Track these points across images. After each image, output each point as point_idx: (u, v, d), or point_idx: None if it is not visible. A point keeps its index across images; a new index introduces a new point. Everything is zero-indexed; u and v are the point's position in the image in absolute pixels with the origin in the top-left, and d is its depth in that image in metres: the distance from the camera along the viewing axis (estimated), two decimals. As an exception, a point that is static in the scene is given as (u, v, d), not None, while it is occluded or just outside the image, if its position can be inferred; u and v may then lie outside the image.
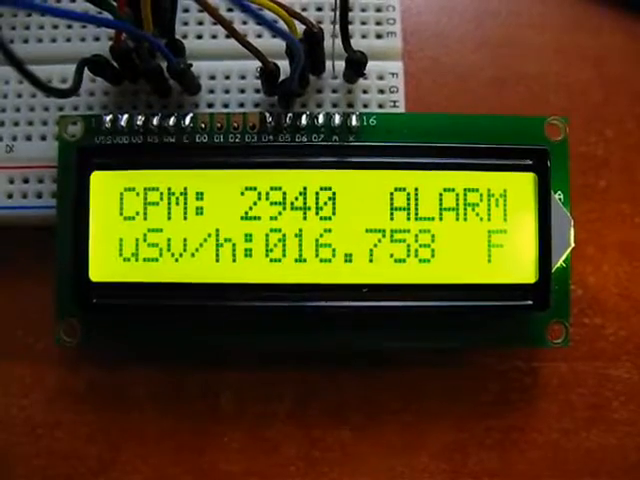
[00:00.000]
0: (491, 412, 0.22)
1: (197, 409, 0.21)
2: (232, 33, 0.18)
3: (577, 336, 0.22)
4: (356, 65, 0.20)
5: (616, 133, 0.23)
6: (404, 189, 0.19)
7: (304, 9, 0.22)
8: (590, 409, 0.22)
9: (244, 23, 0.22)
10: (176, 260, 0.19)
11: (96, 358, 0.21)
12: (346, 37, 0.18)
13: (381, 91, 0.21)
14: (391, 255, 0.19)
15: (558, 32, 0.24)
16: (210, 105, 0.21)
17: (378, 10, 0.22)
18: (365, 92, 0.21)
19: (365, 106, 0.21)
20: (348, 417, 0.22)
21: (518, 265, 0.19)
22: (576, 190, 0.22)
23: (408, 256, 0.19)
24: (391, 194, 0.19)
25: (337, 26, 0.20)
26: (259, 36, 0.22)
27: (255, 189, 0.19)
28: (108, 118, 0.20)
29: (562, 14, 0.24)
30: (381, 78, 0.21)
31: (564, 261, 0.20)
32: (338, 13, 0.19)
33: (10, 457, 0.22)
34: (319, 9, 0.22)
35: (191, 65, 0.20)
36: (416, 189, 0.19)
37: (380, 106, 0.21)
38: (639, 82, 0.24)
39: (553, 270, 0.20)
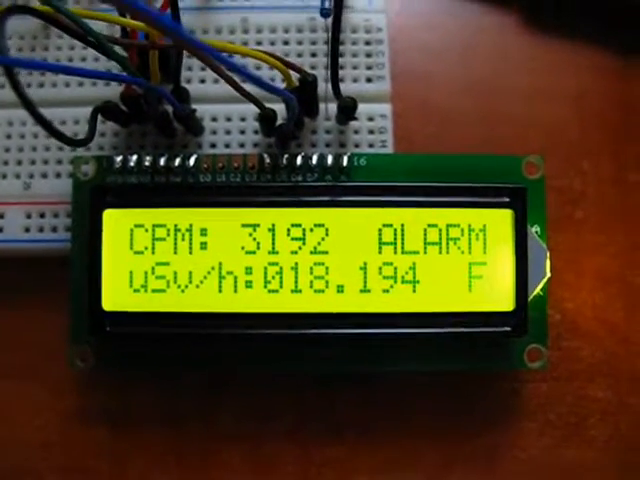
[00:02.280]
0: (477, 431, 0.24)
1: (200, 428, 0.24)
2: (232, 84, 0.20)
3: (556, 358, 0.24)
4: (347, 110, 0.22)
5: (592, 167, 0.26)
6: (391, 225, 0.21)
7: (299, 55, 0.24)
8: (568, 427, 0.24)
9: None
10: (182, 291, 0.21)
11: (107, 380, 0.24)
12: (337, 87, 0.21)
13: (371, 132, 0.24)
14: (379, 286, 0.21)
15: (539, 73, 0.26)
16: (213, 145, 0.24)
17: (368, 55, 0.25)
18: (356, 132, 0.24)
19: (356, 146, 0.24)
20: (343, 435, 0.24)
21: (497, 294, 0.22)
22: (555, 221, 0.25)
23: (395, 287, 0.21)
24: (379, 230, 0.21)
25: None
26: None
27: (255, 226, 0.21)
28: (118, 159, 0.23)
29: (543, 55, 0.27)
30: (371, 119, 0.24)
31: (541, 289, 0.23)
32: (329, 62, 0.21)
33: (25, 473, 0.24)
34: (313, 55, 0.25)
35: (195, 110, 0.23)
36: (402, 225, 0.21)
37: (370, 146, 0.24)
38: (614, 118, 0.26)
39: (531, 298, 0.22)
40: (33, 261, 0.24)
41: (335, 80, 0.20)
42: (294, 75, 0.22)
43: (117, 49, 0.20)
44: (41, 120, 0.18)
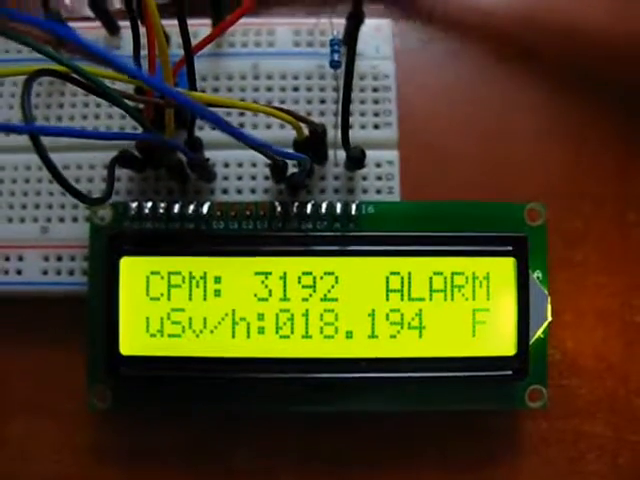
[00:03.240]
0: (479, 466, 0.25)
1: (214, 466, 0.25)
2: (244, 141, 0.21)
3: (556, 396, 0.25)
4: (355, 161, 0.23)
5: (593, 210, 0.27)
6: (398, 273, 0.23)
7: (309, 101, 0.26)
8: (568, 462, 0.25)
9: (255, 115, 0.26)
10: (197, 336, 0.23)
11: (124, 419, 0.25)
12: (347, 140, 0.22)
13: (379, 178, 0.25)
14: (387, 332, 0.23)
15: (542, 117, 0.27)
16: (225, 191, 0.25)
17: (376, 102, 0.26)
18: (364, 179, 0.25)
19: (365, 192, 0.25)
20: (348, 470, 0.25)
21: (499, 339, 0.23)
22: (557, 262, 0.26)
23: (402, 332, 0.23)
24: (387, 278, 0.23)
25: (339, 118, 0.24)
26: (268, 127, 0.25)
27: (267, 274, 0.23)
28: (134, 205, 0.24)
29: (545, 100, 0.28)
30: (378, 166, 0.25)
31: (542, 332, 0.24)
32: (340, 116, 0.22)
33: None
34: (322, 101, 0.26)
35: (208, 159, 0.24)
36: (409, 273, 0.23)
37: (378, 192, 0.25)
38: (614, 162, 0.27)
39: (532, 341, 0.23)
40: (51, 302, 0.25)
41: (345, 134, 0.21)
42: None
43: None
44: (63, 182, 0.19)
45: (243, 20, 0.25)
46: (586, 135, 0.27)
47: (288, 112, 0.22)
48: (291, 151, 0.22)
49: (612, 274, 0.27)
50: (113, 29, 0.26)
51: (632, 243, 0.27)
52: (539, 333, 0.24)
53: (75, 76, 0.20)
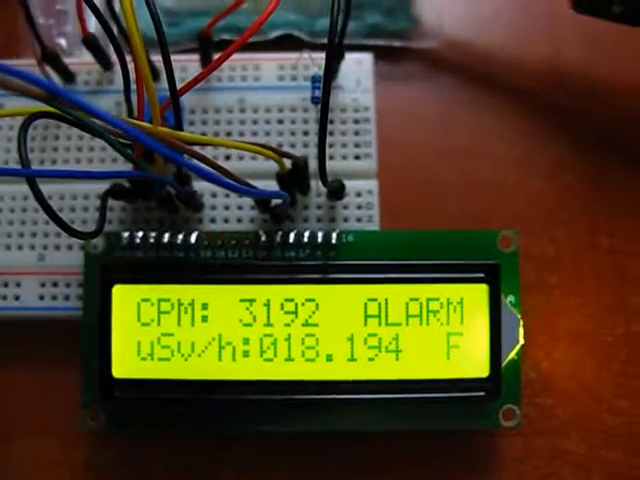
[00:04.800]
0: (457, 482, 0.27)
1: (203, 480, 0.27)
2: (228, 175, 0.23)
3: (531, 414, 0.27)
4: (335, 193, 0.25)
5: (566, 234, 0.29)
6: (376, 299, 0.24)
7: (293, 133, 0.28)
8: (543, 479, 0.27)
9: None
10: (185, 360, 0.24)
11: (117, 438, 0.27)
12: (324, 178, 0.23)
13: (359, 207, 0.27)
14: (365, 355, 0.24)
15: (515, 143, 0.29)
16: (212, 220, 0.27)
17: (356, 134, 0.28)
18: (345, 208, 0.27)
19: (345, 220, 0.27)
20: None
21: (473, 362, 0.25)
22: (530, 285, 0.28)
23: (379, 356, 0.24)
24: (365, 304, 0.24)
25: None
26: (254, 158, 0.27)
27: (251, 301, 0.24)
28: (126, 235, 0.26)
29: (520, 127, 0.30)
30: (359, 195, 0.27)
31: (515, 354, 0.25)
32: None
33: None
34: (305, 133, 0.28)
35: (196, 192, 0.26)
36: (386, 300, 0.24)
37: (358, 220, 0.27)
38: (586, 189, 0.29)
39: (505, 363, 0.25)
40: (48, 325, 0.27)
41: (323, 171, 0.23)
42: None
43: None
44: (58, 221, 0.20)
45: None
46: (560, 163, 0.29)
47: (270, 148, 0.24)
48: (271, 190, 0.24)
49: (585, 296, 0.28)
50: (107, 65, 0.28)
51: (603, 267, 0.28)
52: (512, 355, 0.25)
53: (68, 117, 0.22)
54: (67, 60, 0.28)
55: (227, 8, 0.26)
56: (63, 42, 0.31)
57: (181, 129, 0.23)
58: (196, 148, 0.23)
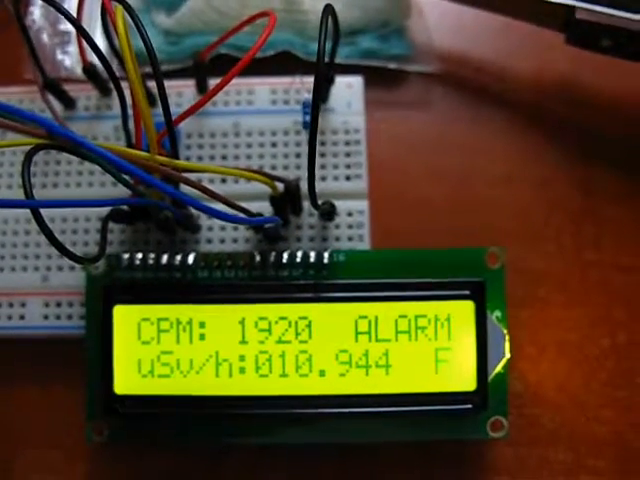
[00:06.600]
0: (447, 491, 0.29)
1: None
2: (222, 201, 0.25)
3: (519, 424, 0.29)
4: (326, 215, 0.27)
5: (554, 249, 0.30)
6: (366, 317, 0.26)
7: (286, 155, 0.29)
8: (532, 487, 0.29)
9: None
10: (184, 376, 0.26)
11: (120, 450, 0.29)
12: (314, 199, 0.25)
13: (350, 226, 0.29)
14: (357, 370, 0.26)
15: (506, 160, 0.31)
16: (209, 240, 0.29)
17: (347, 155, 0.29)
18: (337, 227, 0.29)
19: (337, 239, 0.29)
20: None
21: (461, 376, 0.26)
22: (519, 298, 0.30)
23: (370, 371, 0.26)
24: (356, 321, 0.26)
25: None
26: (248, 181, 0.29)
27: (247, 320, 0.26)
28: (126, 256, 0.28)
29: (509, 144, 0.31)
30: (350, 215, 0.29)
31: (502, 368, 0.27)
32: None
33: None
34: (298, 155, 0.29)
35: (193, 215, 0.28)
36: (376, 317, 0.26)
37: (349, 239, 0.29)
38: (576, 203, 0.31)
39: (492, 376, 0.27)
40: (52, 343, 0.29)
41: (313, 195, 0.25)
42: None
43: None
44: (61, 248, 0.22)
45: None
46: (547, 180, 0.31)
47: (263, 174, 0.26)
48: (263, 218, 0.26)
49: (572, 309, 0.30)
50: (105, 91, 0.30)
51: (590, 280, 0.30)
52: (498, 368, 0.27)
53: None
54: (67, 87, 0.30)
55: (224, 34, 0.28)
56: (67, 61, 0.33)
57: (177, 157, 0.25)
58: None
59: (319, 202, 0.26)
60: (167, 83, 0.23)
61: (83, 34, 0.24)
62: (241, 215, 0.24)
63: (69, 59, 0.33)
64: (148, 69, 0.23)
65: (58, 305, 0.29)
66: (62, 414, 0.29)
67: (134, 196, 0.25)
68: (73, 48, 0.33)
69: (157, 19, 0.32)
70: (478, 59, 0.33)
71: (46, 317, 0.29)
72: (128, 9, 0.23)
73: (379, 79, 0.32)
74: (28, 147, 0.21)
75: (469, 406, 0.26)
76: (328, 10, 0.24)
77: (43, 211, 0.22)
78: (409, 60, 0.32)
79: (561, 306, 0.30)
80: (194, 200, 0.21)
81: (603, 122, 0.33)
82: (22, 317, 0.29)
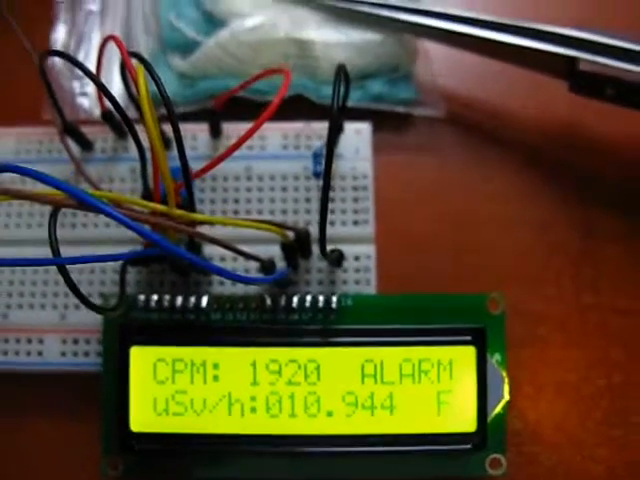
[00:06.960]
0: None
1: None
2: (234, 251, 0.26)
3: (518, 462, 0.30)
4: (334, 262, 0.28)
5: (554, 291, 0.32)
6: (372, 361, 0.28)
7: (296, 200, 0.31)
8: (530, 521, 0.30)
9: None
10: (198, 415, 0.28)
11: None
12: (324, 249, 0.27)
13: (357, 270, 0.30)
14: (362, 411, 0.28)
15: (507, 203, 0.33)
16: (221, 283, 0.30)
17: (355, 200, 0.31)
18: (345, 271, 0.30)
19: (344, 283, 0.30)
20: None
21: (461, 417, 0.28)
22: (519, 339, 0.31)
23: (375, 412, 0.28)
24: (362, 365, 0.28)
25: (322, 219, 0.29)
26: (260, 224, 0.30)
27: (258, 362, 0.28)
28: (142, 298, 0.29)
29: (511, 186, 0.33)
30: (357, 259, 0.30)
31: (501, 409, 0.29)
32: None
33: None
34: (307, 200, 0.31)
35: (206, 259, 0.29)
36: (382, 361, 0.28)
37: (357, 283, 0.30)
38: (575, 246, 0.32)
39: (492, 417, 0.28)
40: (68, 379, 0.30)
41: (323, 248, 0.26)
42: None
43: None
44: (82, 298, 0.24)
45: (238, 126, 0.31)
46: (547, 223, 0.33)
47: (274, 224, 0.27)
48: (273, 275, 0.27)
49: (570, 350, 0.31)
50: (122, 134, 0.31)
51: (588, 322, 0.32)
52: (498, 410, 0.28)
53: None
54: (85, 128, 0.31)
55: (241, 83, 0.29)
56: (85, 103, 0.34)
57: (194, 209, 0.26)
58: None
59: (328, 250, 0.27)
60: (181, 126, 0.24)
61: (104, 91, 0.26)
62: (253, 276, 0.25)
63: (88, 101, 0.34)
64: (162, 110, 0.24)
65: (75, 342, 0.30)
66: (77, 450, 0.30)
67: (149, 245, 0.27)
68: (91, 89, 0.34)
69: (172, 62, 0.34)
70: (482, 102, 0.35)
71: (63, 354, 0.30)
72: (148, 68, 0.25)
73: (386, 123, 0.33)
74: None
75: (469, 446, 0.28)
76: (341, 70, 0.25)
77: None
78: (416, 104, 0.34)
79: (560, 347, 0.31)
80: (208, 263, 0.22)
81: (603, 165, 0.34)
82: (40, 353, 0.30)
